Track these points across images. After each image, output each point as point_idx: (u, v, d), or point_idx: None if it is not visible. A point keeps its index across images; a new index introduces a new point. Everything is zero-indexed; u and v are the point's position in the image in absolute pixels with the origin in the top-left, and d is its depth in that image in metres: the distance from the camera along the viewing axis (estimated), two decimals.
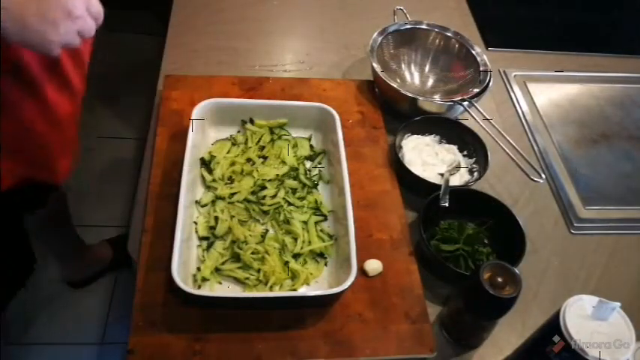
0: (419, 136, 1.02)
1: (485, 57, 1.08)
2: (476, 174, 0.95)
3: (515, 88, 1.20)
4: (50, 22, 0.62)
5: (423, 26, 1.14)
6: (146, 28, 2.35)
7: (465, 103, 0.99)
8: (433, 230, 0.88)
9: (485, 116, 0.96)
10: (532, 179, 0.89)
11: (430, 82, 1.14)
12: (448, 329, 0.79)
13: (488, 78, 1.04)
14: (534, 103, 1.18)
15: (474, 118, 0.97)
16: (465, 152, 1.00)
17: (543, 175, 0.91)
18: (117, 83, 2.25)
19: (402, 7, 1.17)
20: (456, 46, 1.12)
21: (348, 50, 1.22)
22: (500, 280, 0.68)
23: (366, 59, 1.07)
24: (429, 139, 1.02)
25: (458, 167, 0.97)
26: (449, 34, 1.13)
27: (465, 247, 0.84)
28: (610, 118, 1.21)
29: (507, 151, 0.92)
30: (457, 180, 0.95)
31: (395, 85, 1.01)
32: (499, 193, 0.94)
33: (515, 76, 1.23)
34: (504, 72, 1.24)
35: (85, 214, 1.74)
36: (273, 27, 1.27)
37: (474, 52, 1.09)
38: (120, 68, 2.33)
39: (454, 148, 1.01)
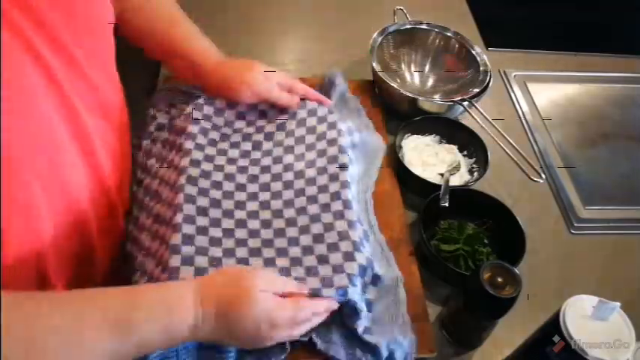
0: (419, 136, 1.02)
1: (485, 57, 1.08)
2: (476, 174, 0.95)
3: (515, 88, 1.20)
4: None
5: (423, 26, 1.14)
6: None
7: (465, 103, 0.99)
8: (433, 230, 0.88)
9: (485, 116, 0.96)
10: (532, 179, 0.89)
11: (430, 82, 1.15)
12: (448, 329, 0.79)
13: (488, 78, 1.04)
14: (534, 103, 1.18)
15: (474, 118, 0.97)
16: (465, 152, 1.00)
17: (543, 175, 0.91)
18: None
19: (402, 7, 1.17)
20: (456, 46, 1.12)
21: (348, 50, 1.21)
22: (500, 280, 0.68)
23: (366, 59, 1.07)
24: (429, 139, 1.02)
25: (458, 167, 0.97)
26: (449, 34, 1.13)
27: (465, 247, 0.84)
28: (610, 118, 1.20)
29: (507, 151, 0.92)
30: (457, 180, 0.95)
31: (395, 85, 1.01)
32: (499, 193, 0.94)
33: (515, 76, 1.23)
34: (504, 72, 1.24)
35: None
36: (273, 27, 1.27)
37: (474, 52, 1.09)
38: (120, 68, 2.32)
39: (454, 148, 1.01)
